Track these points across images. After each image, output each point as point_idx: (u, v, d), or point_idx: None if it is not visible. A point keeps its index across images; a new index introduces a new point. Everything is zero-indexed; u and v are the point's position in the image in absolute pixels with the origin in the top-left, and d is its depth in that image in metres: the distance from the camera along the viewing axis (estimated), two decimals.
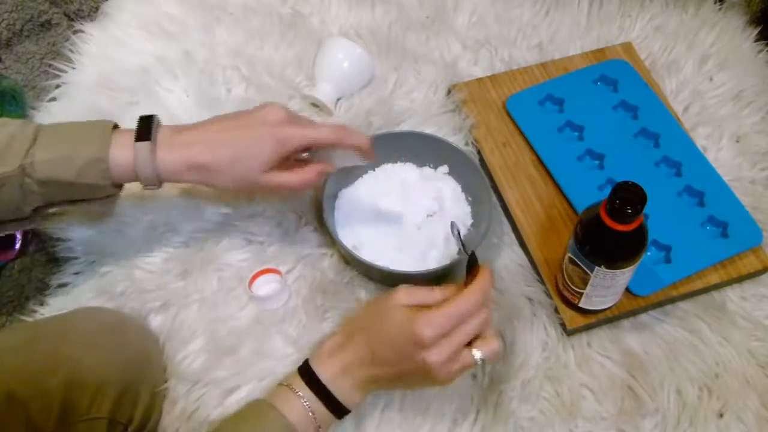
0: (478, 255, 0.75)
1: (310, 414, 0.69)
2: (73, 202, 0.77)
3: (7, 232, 0.80)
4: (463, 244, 0.80)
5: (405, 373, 0.70)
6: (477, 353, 0.69)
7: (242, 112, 0.79)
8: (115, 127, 0.77)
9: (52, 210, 0.78)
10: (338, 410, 0.70)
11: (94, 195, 0.77)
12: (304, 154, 0.82)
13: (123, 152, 0.74)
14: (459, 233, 0.82)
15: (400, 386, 0.77)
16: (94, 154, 0.73)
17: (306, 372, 0.71)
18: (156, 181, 0.76)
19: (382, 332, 0.70)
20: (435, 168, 0.95)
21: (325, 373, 0.70)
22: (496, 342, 0.70)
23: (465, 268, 0.75)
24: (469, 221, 0.91)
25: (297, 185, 0.79)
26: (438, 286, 0.73)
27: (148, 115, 0.77)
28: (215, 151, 0.75)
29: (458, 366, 0.69)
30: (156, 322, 0.85)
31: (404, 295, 0.71)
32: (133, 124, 0.99)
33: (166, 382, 0.81)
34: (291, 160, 0.80)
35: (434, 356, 0.67)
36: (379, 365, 0.70)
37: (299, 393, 0.69)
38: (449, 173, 0.94)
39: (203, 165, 0.75)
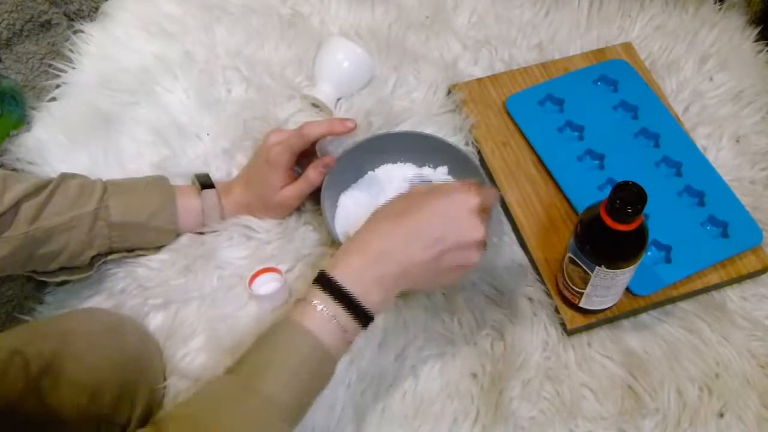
0: None
1: (333, 320, 0.65)
2: (131, 250, 0.87)
3: (59, 280, 0.84)
4: None
5: (444, 252, 0.69)
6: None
7: (256, 149, 0.93)
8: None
9: (110, 257, 0.86)
10: (359, 313, 0.66)
11: (158, 241, 0.87)
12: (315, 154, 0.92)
13: (190, 200, 0.88)
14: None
15: (428, 279, 0.72)
16: (164, 201, 0.85)
17: (321, 277, 0.67)
18: (219, 221, 0.90)
19: (426, 209, 0.70)
20: (435, 168, 0.95)
21: (341, 273, 0.67)
22: (491, 190, 0.76)
23: None
24: None
25: (306, 188, 0.88)
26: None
27: (203, 174, 0.91)
28: (248, 192, 0.89)
29: (485, 236, 0.72)
30: (156, 319, 0.85)
31: (423, 187, 0.74)
32: (133, 124, 1.00)
33: (165, 381, 0.81)
34: (304, 161, 0.89)
35: (480, 226, 0.70)
36: (418, 249, 0.68)
37: (315, 302, 0.66)
38: (449, 173, 0.94)
39: (246, 205, 0.90)
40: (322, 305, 0.66)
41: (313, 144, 0.89)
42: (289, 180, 0.88)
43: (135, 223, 0.83)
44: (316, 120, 0.87)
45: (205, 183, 0.89)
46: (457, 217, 0.70)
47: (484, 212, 0.73)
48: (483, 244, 0.72)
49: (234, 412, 0.61)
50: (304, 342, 0.65)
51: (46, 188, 0.79)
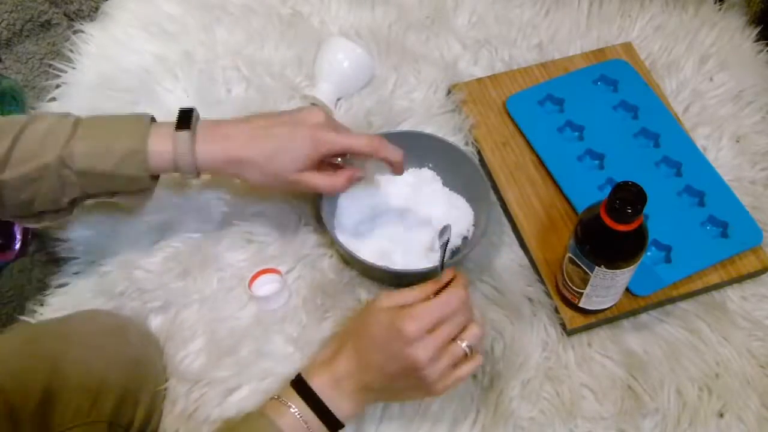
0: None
1: (304, 424, 0.68)
2: (110, 194, 0.79)
3: (44, 224, 0.80)
4: (443, 261, 0.79)
5: (395, 377, 0.69)
6: (462, 343, 0.69)
7: (283, 111, 0.81)
8: (153, 120, 0.79)
9: (89, 201, 0.80)
10: (331, 423, 0.69)
11: (132, 187, 0.78)
12: (338, 159, 0.84)
13: (162, 142, 0.76)
14: (446, 244, 0.80)
15: (393, 396, 0.76)
16: (133, 146, 0.75)
17: (298, 384, 0.71)
18: (194, 170, 0.78)
19: (367, 336, 0.70)
20: (434, 168, 0.95)
21: (317, 384, 0.70)
22: (476, 325, 0.71)
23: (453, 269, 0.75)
24: (469, 221, 0.91)
25: (326, 189, 0.81)
26: (416, 286, 0.73)
27: (187, 108, 0.79)
28: (253, 146, 0.77)
29: (445, 363, 0.68)
30: (156, 322, 0.85)
31: (384, 298, 0.72)
32: None
33: (166, 381, 0.81)
34: (324, 162, 0.82)
35: (420, 351, 0.67)
36: (367, 371, 0.70)
37: (290, 405, 0.69)
38: (449, 174, 0.94)
39: (240, 159, 0.77)
40: (296, 409, 0.68)
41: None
42: (310, 168, 0.79)
43: (101, 171, 0.75)
44: (390, 145, 0.81)
45: (183, 121, 0.77)
46: (394, 350, 0.68)
47: (458, 311, 0.69)
48: (436, 360, 0.68)
49: None
50: None
51: (9, 133, 0.73)
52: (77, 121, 0.76)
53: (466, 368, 0.70)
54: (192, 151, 0.76)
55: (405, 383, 0.70)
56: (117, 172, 0.75)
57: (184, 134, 0.76)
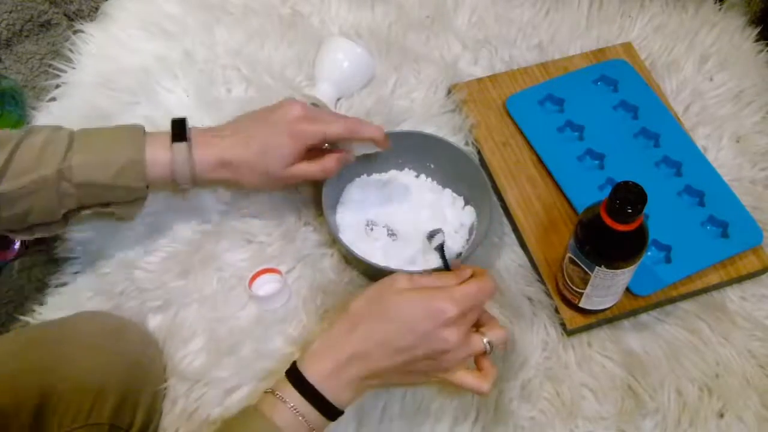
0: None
1: (300, 418, 0.66)
2: (105, 204, 0.80)
3: (36, 237, 0.81)
4: (445, 261, 0.79)
5: (416, 359, 0.68)
6: (485, 338, 0.70)
7: (264, 109, 0.84)
8: (145, 130, 0.81)
9: (84, 213, 0.80)
10: (329, 412, 0.68)
11: (129, 197, 0.80)
12: (326, 145, 0.85)
13: (160, 153, 0.78)
14: (442, 246, 0.81)
15: (398, 381, 0.73)
16: (132, 156, 0.77)
17: (293, 374, 0.68)
18: (190, 180, 0.81)
19: (395, 317, 0.68)
20: (435, 167, 0.95)
21: (315, 373, 0.67)
22: (503, 329, 0.71)
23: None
24: (469, 221, 0.91)
25: (318, 174, 0.83)
26: (433, 273, 0.73)
27: (180, 118, 0.81)
28: (242, 148, 0.80)
29: (467, 351, 0.69)
30: (156, 321, 0.85)
31: (405, 280, 0.70)
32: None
33: (166, 381, 0.81)
34: (312, 150, 0.83)
35: (454, 334, 0.67)
36: (385, 354, 0.68)
37: (285, 397, 0.67)
38: (450, 174, 0.94)
39: (232, 161, 0.80)
40: (293, 402, 0.67)
41: None
42: (299, 159, 0.81)
43: (101, 183, 0.77)
44: (367, 122, 0.82)
45: (179, 132, 0.80)
46: (428, 330, 0.67)
47: (468, 313, 0.69)
48: (458, 348, 0.68)
49: None
50: None
51: (7, 146, 0.74)
52: (72, 134, 0.78)
53: (475, 381, 0.70)
54: (189, 160, 0.79)
55: (421, 367, 0.69)
56: (115, 183, 0.77)
57: (181, 145, 0.79)
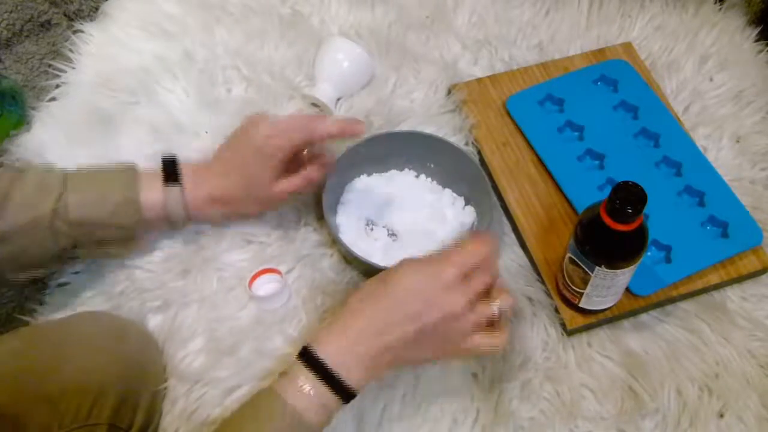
0: None
1: (315, 398, 0.66)
2: (98, 243, 0.81)
3: (27, 277, 0.81)
4: None
5: (425, 329, 0.68)
6: (494, 305, 0.70)
7: (235, 133, 0.84)
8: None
9: (78, 251, 0.81)
10: (343, 392, 0.67)
11: (122, 236, 0.81)
12: (305, 152, 0.85)
13: (152, 195, 0.80)
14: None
15: (413, 355, 0.71)
16: (127, 195, 0.79)
17: (305, 356, 0.68)
18: (185, 219, 0.83)
19: (398, 290, 0.69)
20: (435, 167, 0.95)
21: (327, 352, 0.67)
22: (508, 293, 0.72)
23: None
24: (469, 221, 0.91)
25: (304, 186, 0.83)
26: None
27: (170, 158, 0.83)
28: (226, 182, 0.82)
29: (478, 316, 0.69)
30: (155, 321, 0.85)
31: (407, 261, 0.71)
32: (133, 124, 1.00)
33: (165, 381, 0.81)
34: (294, 162, 0.83)
35: (459, 296, 0.68)
36: (393, 328, 0.67)
37: (298, 378, 0.66)
38: (450, 174, 0.94)
39: (221, 197, 0.82)
40: (306, 382, 0.66)
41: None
42: (282, 174, 0.82)
43: (95, 222, 0.78)
44: (324, 116, 0.84)
45: (170, 172, 0.82)
46: (432, 294, 0.68)
47: (471, 276, 0.70)
48: (474, 308, 0.69)
49: None
50: (286, 417, 0.65)
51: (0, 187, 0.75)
52: (66, 175, 0.79)
53: (487, 339, 0.70)
54: (182, 201, 0.81)
55: (432, 338, 0.69)
56: (110, 221, 0.78)
57: (173, 188, 0.81)
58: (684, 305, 0.88)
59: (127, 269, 0.88)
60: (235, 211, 0.85)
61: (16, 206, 0.75)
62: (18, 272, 0.80)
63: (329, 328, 0.69)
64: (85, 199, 0.77)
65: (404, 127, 1.00)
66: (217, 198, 0.83)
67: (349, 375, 0.67)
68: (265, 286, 0.86)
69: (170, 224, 0.83)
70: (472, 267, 0.70)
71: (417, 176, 0.95)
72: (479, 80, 1.04)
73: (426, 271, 0.69)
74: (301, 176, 0.83)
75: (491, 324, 0.71)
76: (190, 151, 0.97)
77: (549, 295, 0.88)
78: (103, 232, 0.79)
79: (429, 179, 0.95)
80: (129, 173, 0.81)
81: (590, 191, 0.92)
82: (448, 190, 0.94)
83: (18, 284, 0.84)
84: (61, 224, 0.76)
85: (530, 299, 0.88)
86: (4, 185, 0.75)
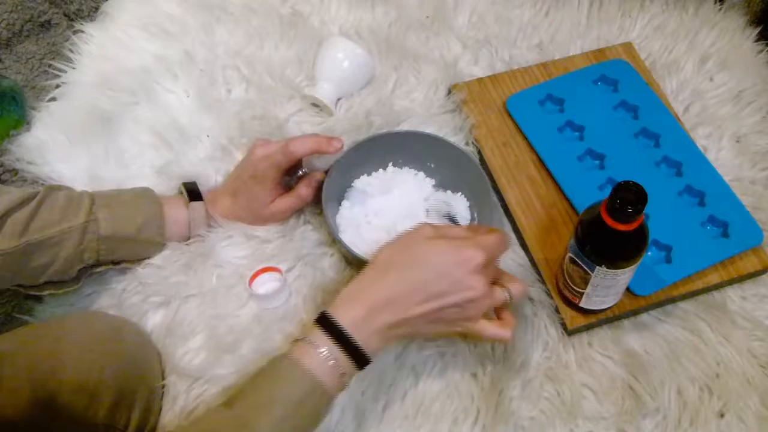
0: None
1: (331, 362, 0.66)
2: (117, 262, 0.86)
3: (46, 293, 0.83)
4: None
5: (444, 307, 0.69)
6: (506, 291, 0.72)
7: (241, 161, 0.91)
8: None
9: (97, 270, 0.84)
10: (359, 358, 0.67)
11: (145, 253, 0.87)
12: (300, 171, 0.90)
13: (177, 211, 0.87)
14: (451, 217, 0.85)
15: (426, 329, 0.73)
16: (153, 211, 0.84)
17: (323, 321, 0.68)
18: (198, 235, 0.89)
19: (425, 264, 0.70)
20: (435, 167, 0.95)
21: (346, 319, 0.67)
22: (520, 281, 0.74)
23: None
24: (469, 221, 0.91)
25: (297, 203, 0.89)
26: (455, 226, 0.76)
27: (191, 183, 0.90)
28: (234, 206, 0.88)
29: (490, 300, 0.72)
30: (156, 318, 0.85)
31: (431, 229, 0.73)
32: (133, 124, 1.00)
33: (163, 380, 0.81)
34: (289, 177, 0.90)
35: (481, 282, 0.69)
36: (415, 301, 0.68)
37: (315, 343, 0.66)
38: (450, 174, 0.94)
39: (230, 217, 0.88)
40: (324, 347, 0.67)
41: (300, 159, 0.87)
42: (278, 193, 0.88)
43: (124, 236, 0.82)
44: (302, 136, 0.85)
45: (192, 192, 0.89)
46: (459, 276, 0.69)
47: (490, 263, 0.72)
48: (487, 298, 0.71)
49: None
50: (303, 381, 0.66)
51: (32, 200, 0.77)
52: (92, 193, 0.83)
53: (495, 329, 0.73)
54: (206, 217, 0.88)
55: (448, 315, 0.70)
56: (138, 237, 0.83)
57: (198, 205, 0.88)
58: (684, 305, 0.88)
59: (128, 266, 0.88)
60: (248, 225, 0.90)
61: (48, 218, 0.77)
62: (37, 289, 0.82)
63: (348, 294, 0.70)
64: (114, 215, 0.81)
65: (404, 127, 1.00)
66: (231, 216, 0.88)
67: (366, 343, 0.68)
68: (266, 284, 0.86)
69: (185, 239, 0.89)
70: (493, 257, 0.72)
71: (417, 176, 0.95)
72: (479, 80, 1.04)
73: (458, 253, 0.70)
74: (294, 195, 0.88)
75: (501, 309, 0.74)
76: (189, 152, 0.98)
77: (549, 294, 0.88)
78: (128, 248, 0.84)
79: (429, 179, 0.95)
80: (151, 193, 0.87)
81: (590, 191, 0.92)
82: (448, 190, 0.94)
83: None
84: (91, 238, 0.79)
85: (531, 299, 0.88)
86: (37, 199, 0.77)
